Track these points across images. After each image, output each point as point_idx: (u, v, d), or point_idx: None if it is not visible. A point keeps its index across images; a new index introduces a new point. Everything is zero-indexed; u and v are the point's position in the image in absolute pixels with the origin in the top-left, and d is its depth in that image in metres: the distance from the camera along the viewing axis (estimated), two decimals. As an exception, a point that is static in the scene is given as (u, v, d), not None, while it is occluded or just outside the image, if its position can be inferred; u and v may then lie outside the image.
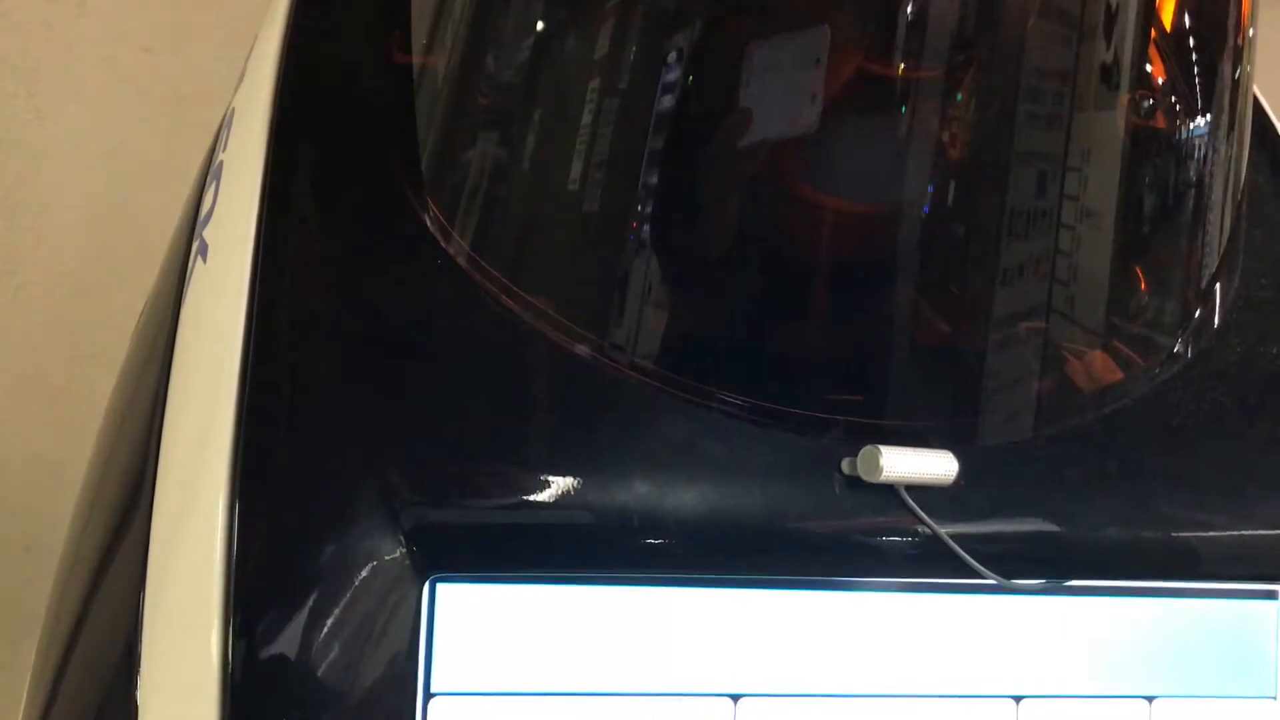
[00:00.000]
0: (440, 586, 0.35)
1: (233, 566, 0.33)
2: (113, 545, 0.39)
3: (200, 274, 0.39)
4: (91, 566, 0.40)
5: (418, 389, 0.35)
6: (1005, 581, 0.37)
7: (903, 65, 0.36)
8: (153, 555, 0.35)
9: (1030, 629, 0.38)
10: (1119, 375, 0.40)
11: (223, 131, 0.44)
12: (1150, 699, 0.39)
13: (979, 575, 0.36)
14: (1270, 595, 0.40)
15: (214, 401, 0.34)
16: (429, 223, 0.38)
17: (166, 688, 0.34)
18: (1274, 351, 0.43)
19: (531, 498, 0.35)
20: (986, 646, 0.38)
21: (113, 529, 0.39)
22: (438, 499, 0.34)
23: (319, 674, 0.33)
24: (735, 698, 0.37)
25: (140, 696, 0.34)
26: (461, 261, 0.38)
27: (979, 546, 0.36)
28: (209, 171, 0.43)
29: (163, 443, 0.37)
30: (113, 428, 0.45)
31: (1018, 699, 0.38)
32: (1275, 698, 0.40)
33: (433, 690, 0.35)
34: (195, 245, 0.41)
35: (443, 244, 0.38)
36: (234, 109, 0.44)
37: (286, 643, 0.33)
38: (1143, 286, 0.40)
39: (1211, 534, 0.40)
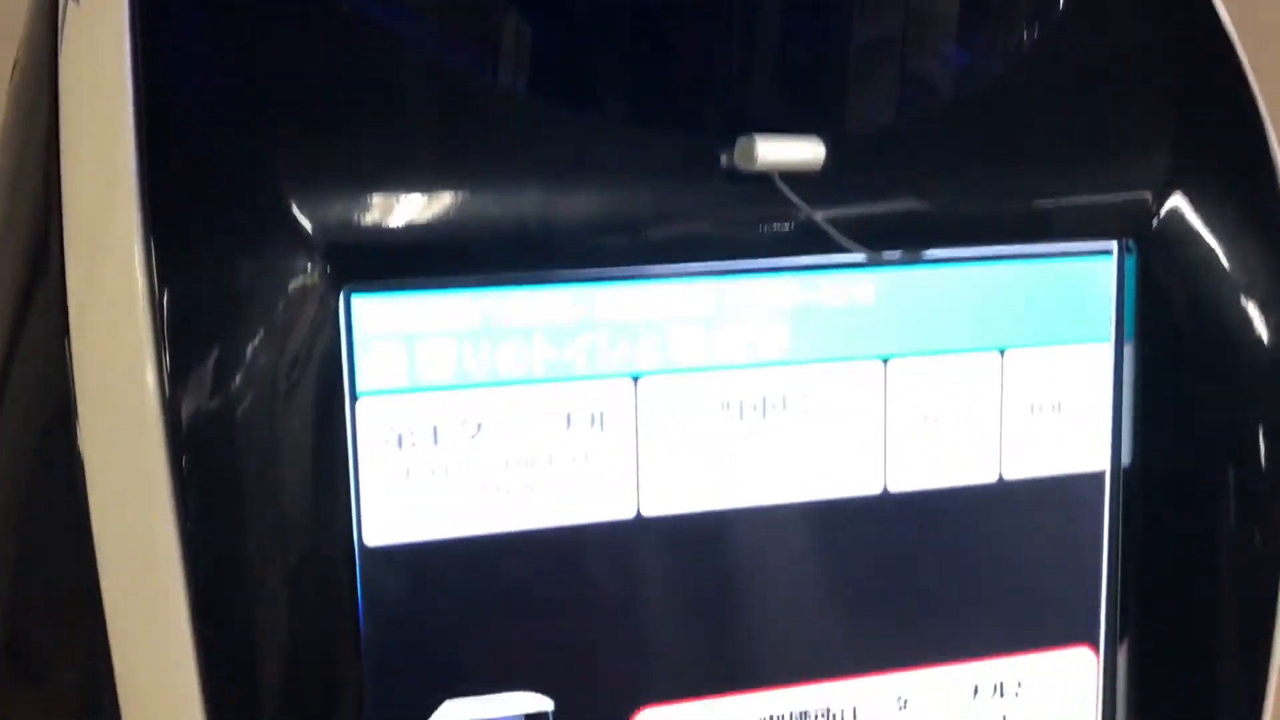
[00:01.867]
0: (355, 298, 0.37)
1: (157, 302, 0.35)
2: (22, 310, 0.39)
3: (74, 17, 0.39)
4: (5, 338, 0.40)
5: (315, 109, 0.37)
6: (872, 253, 0.41)
7: None
8: (73, 309, 0.36)
9: (894, 298, 0.42)
10: (966, 65, 0.43)
11: None
12: (1002, 350, 0.44)
13: (847, 250, 0.40)
14: (1106, 253, 0.45)
15: (111, 145, 0.35)
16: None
17: (107, 434, 0.36)
18: (1113, 32, 0.46)
19: (430, 208, 0.37)
20: (855, 317, 0.42)
21: (22, 289, 0.40)
22: (343, 214, 0.36)
23: (250, 390, 0.36)
24: (635, 378, 0.41)
25: (83, 448, 0.36)
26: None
27: (847, 225, 0.40)
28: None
29: (64, 196, 0.37)
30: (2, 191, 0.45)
31: (885, 359, 0.43)
32: (1108, 340, 0.45)
33: (358, 392, 0.38)
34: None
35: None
36: None
37: (219, 366, 0.35)
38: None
39: (1056, 199, 0.44)
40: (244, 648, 0.37)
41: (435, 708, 0.40)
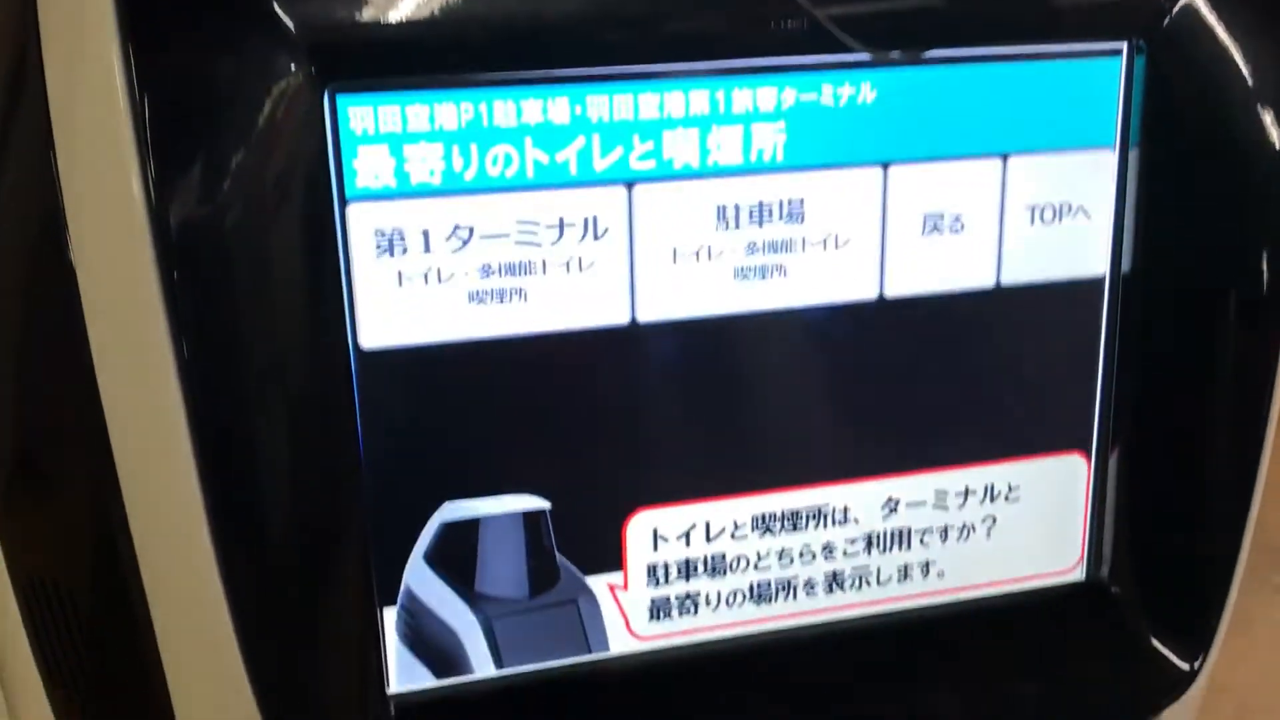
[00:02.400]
0: (341, 99, 0.36)
1: (138, 108, 0.34)
2: (5, 122, 0.39)
3: None
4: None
5: None
6: (874, 53, 0.39)
7: None
8: (55, 119, 0.35)
9: (896, 100, 0.41)
10: None
11: None
12: (1005, 155, 0.43)
13: (849, 49, 0.39)
14: (1115, 54, 0.43)
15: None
16: None
17: (97, 246, 0.35)
18: None
19: (417, 4, 0.35)
20: (856, 119, 0.41)
21: (3, 101, 0.39)
22: (327, 11, 0.35)
23: (239, 195, 0.35)
24: (630, 184, 0.40)
25: (74, 260, 0.35)
26: None
27: (850, 22, 0.39)
28: None
29: (39, 3, 0.36)
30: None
31: (885, 165, 0.42)
32: (1113, 147, 0.44)
33: (348, 196, 0.38)
34: None
35: None
36: None
37: (205, 172, 0.35)
38: None
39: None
40: (244, 454, 0.38)
41: (435, 509, 0.41)
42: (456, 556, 0.42)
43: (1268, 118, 0.44)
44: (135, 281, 0.35)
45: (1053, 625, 0.50)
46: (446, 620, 0.43)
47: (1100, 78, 0.43)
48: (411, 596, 0.42)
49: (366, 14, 0.35)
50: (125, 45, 0.34)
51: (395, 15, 0.35)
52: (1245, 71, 0.44)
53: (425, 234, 0.38)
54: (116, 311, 0.36)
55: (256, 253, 0.36)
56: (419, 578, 0.42)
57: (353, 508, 0.40)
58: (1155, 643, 0.49)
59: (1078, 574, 0.50)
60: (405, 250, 0.38)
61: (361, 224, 0.38)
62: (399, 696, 0.43)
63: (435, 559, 0.42)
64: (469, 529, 0.42)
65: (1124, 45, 0.43)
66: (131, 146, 0.34)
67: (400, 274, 0.38)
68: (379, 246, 0.38)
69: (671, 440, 0.43)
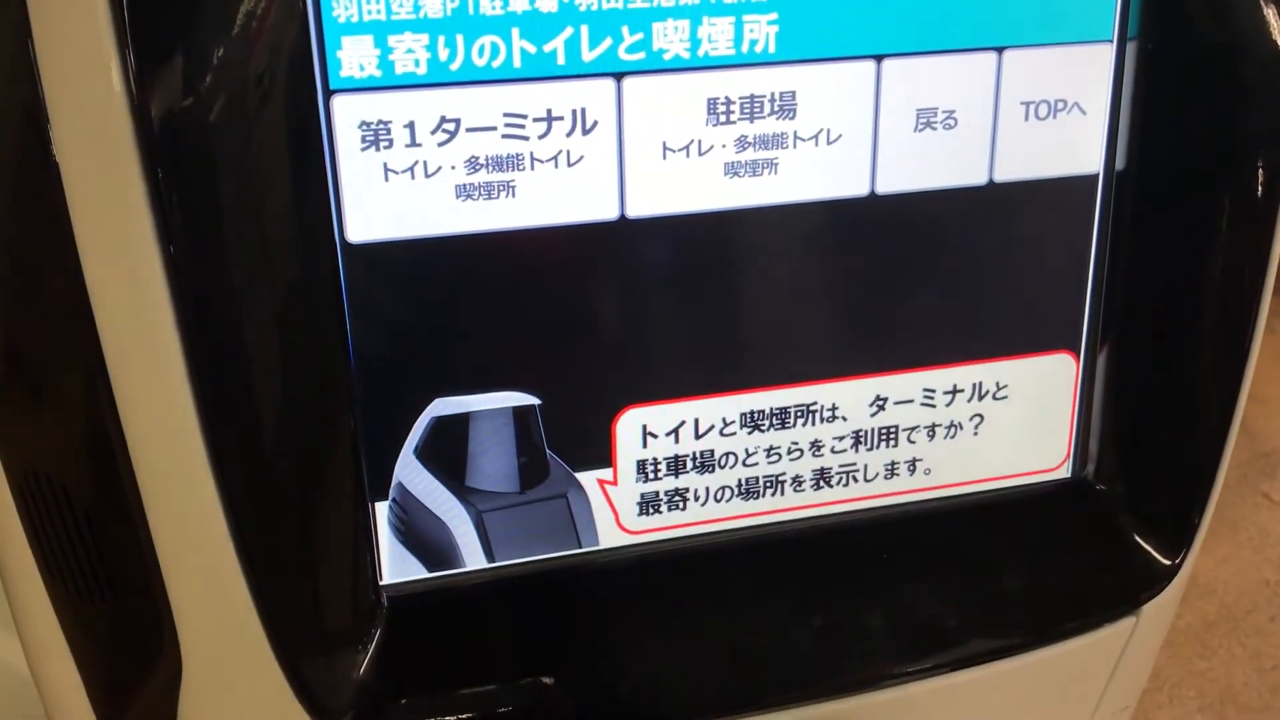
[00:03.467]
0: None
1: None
2: None
3: None
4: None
5: None
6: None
7: None
8: (32, 8, 0.35)
9: (891, -11, 0.41)
10: None
11: None
12: (1000, 49, 0.42)
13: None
14: None
15: None
16: None
17: (79, 141, 0.34)
18: None
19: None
20: (848, 9, 0.40)
21: None
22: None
23: (221, 87, 0.34)
24: (618, 75, 0.39)
25: (57, 156, 0.35)
26: None
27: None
28: None
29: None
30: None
31: (878, 58, 0.41)
32: (1111, 40, 0.43)
33: (332, 86, 0.37)
34: None
35: None
36: None
37: (186, 64, 0.34)
38: None
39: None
40: (234, 353, 0.37)
41: (425, 404, 0.42)
42: (447, 452, 0.42)
43: (1269, 12, 0.44)
44: (119, 177, 0.35)
45: (1038, 521, 0.50)
46: (438, 514, 0.43)
47: None
48: (403, 491, 0.43)
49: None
50: None
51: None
52: (1247, -36, 0.43)
53: (411, 126, 0.38)
54: (101, 208, 0.35)
55: (240, 146, 0.36)
56: (410, 473, 0.42)
57: (342, 403, 0.41)
58: (1138, 538, 0.50)
59: (1064, 471, 0.50)
60: (390, 143, 0.38)
61: (346, 116, 0.37)
62: (392, 588, 0.44)
63: (426, 454, 0.42)
64: (460, 424, 0.42)
65: (1124, -65, 0.42)
66: (111, 37, 0.33)
67: (386, 166, 0.38)
68: (364, 139, 0.38)
69: (660, 337, 0.43)
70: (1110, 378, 0.49)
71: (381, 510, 0.43)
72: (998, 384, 0.47)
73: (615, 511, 0.45)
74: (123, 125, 0.34)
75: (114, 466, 0.38)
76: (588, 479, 0.44)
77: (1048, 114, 0.44)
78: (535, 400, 0.42)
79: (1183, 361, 0.49)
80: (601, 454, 0.44)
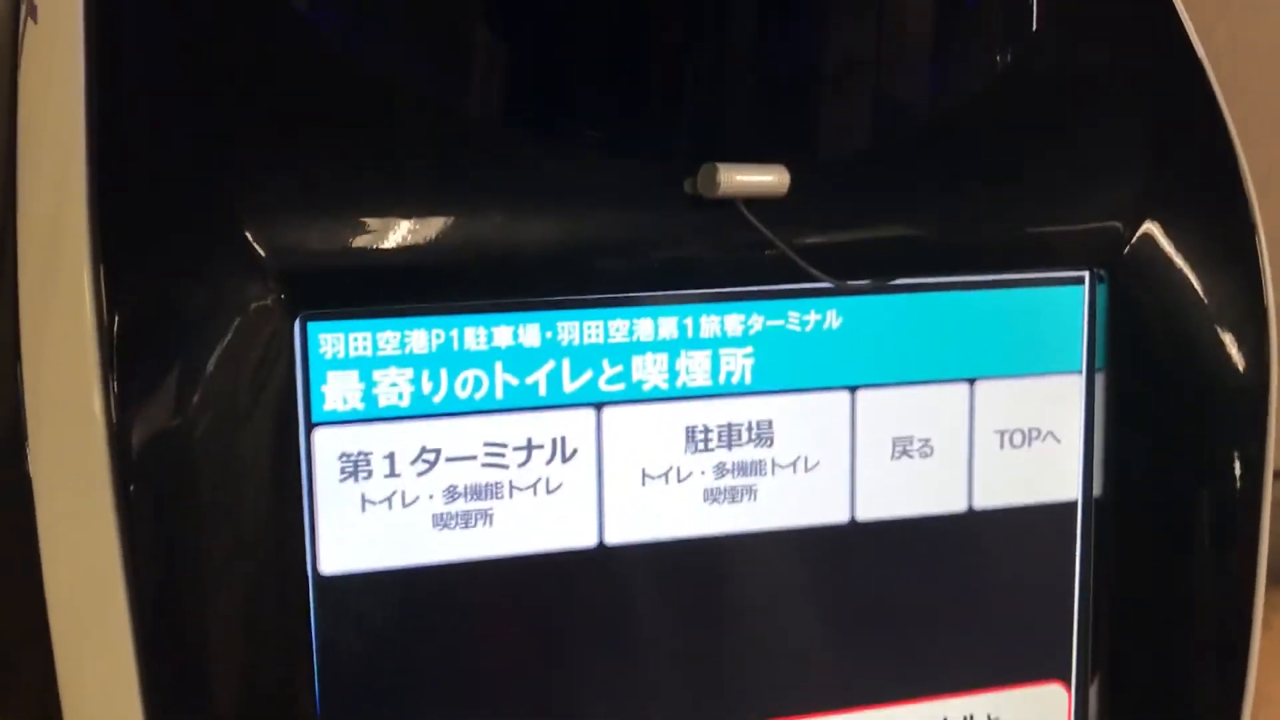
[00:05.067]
0: (312, 326, 0.37)
1: (106, 327, 0.34)
2: None
3: (33, 36, 0.39)
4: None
5: (271, 132, 0.36)
6: (838, 283, 0.40)
7: None
8: (25, 332, 0.36)
9: (862, 325, 0.42)
10: (937, 89, 0.43)
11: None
12: (972, 380, 0.44)
13: (813, 279, 0.39)
14: (1078, 281, 0.44)
15: (65, 166, 0.35)
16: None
17: (54, 460, 0.35)
18: (1086, 58, 0.46)
19: (390, 235, 0.36)
20: (823, 344, 0.42)
21: None
22: (300, 240, 0.36)
23: (202, 418, 0.35)
24: (598, 405, 0.40)
25: (32, 472, 0.35)
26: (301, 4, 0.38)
27: (815, 253, 0.40)
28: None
29: (19, 217, 0.37)
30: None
31: (853, 389, 0.42)
32: (1081, 371, 0.45)
33: (314, 419, 0.37)
34: (24, 7, 0.40)
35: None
36: None
37: (168, 394, 0.35)
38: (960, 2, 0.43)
39: (1026, 228, 0.43)
40: (194, 679, 0.36)
41: (393, 740, 0.40)
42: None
43: (1229, 339, 0.45)
44: (90, 500, 0.34)
45: None
46: None
47: (1064, 304, 0.44)
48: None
49: (339, 244, 0.36)
50: (97, 263, 0.34)
51: (369, 246, 0.36)
52: (1204, 296, 0.45)
53: (391, 457, 0.38)
54: (70, 527, 0.35)
55: (217, 475, 0.36)
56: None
57: (306, 738, 0.39)
58: None
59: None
60: (370, 474, 0.38)
61: (327, 448, 0.37)
62: None
63: (392, 793, 0.40)
64: (428, 761, 0.40)
65: (1086, 274, 0.44)
66: (95, 363, 0.34)
67: (364, 497, 0.38)
68: (343, 470, 0.38)
69: (638, 667, 0.42)
70: (1104, 708, 0.47)
71: None
72: (988, 717, 0.46)
73: None
74: (98, 447, 0.34)
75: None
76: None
77: (1022, 442, 0.44)
78: (509, 737, 0.41)
79: (1178, 689, 0.47)
80: (579, 792, 0.42)
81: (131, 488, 0.34)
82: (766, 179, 0.38)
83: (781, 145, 0.40)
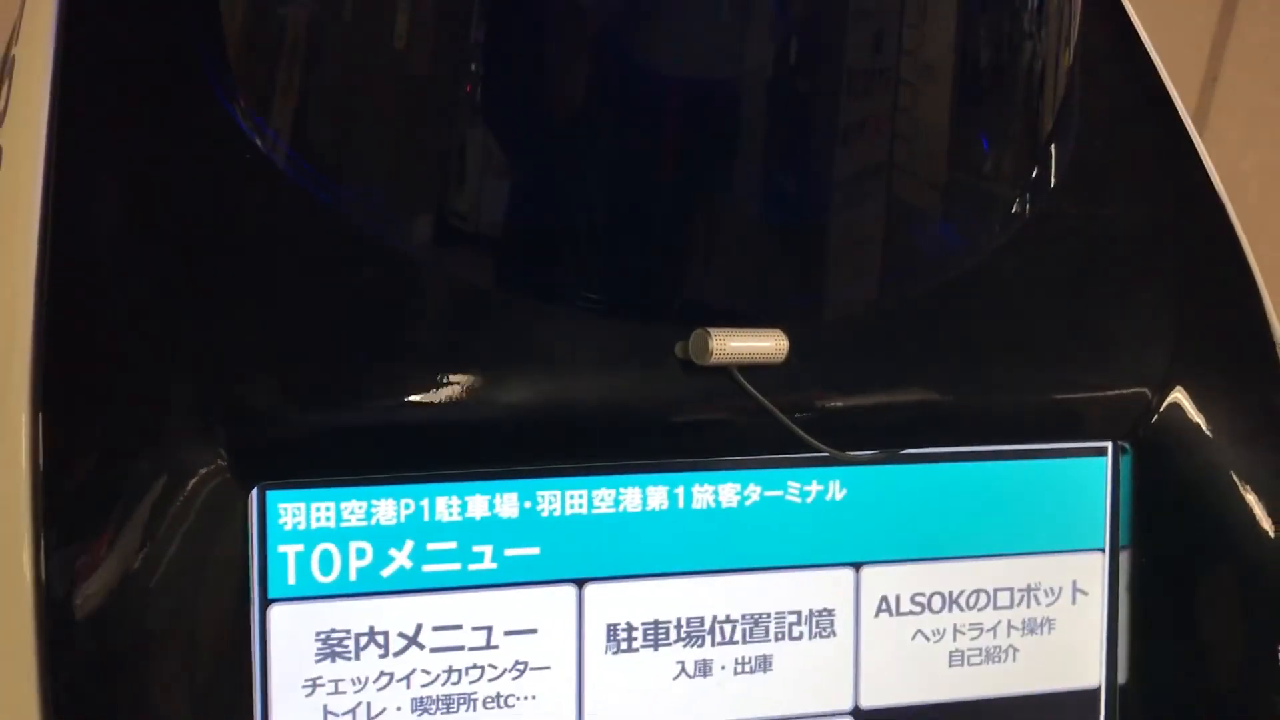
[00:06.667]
0: (269, 494, 0.34)
1: (40, 492, 0.32)
2: None
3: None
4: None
5: (229, 294, 0.34)
6: (839, 454, 0.37)
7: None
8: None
9: (867, 498, 0.39)
10: (950, 246, 0.40)
11: (19, 18, 0.41)
12: (986, 557, 0.40)
13: (813, 449, 0.37)
14: (1100, 453, 0.41)
15: (11, 319, 0.33)
16: (239, 115, 0.36)
17: None
18: (1108, 213, 0.43)
19: (354, 402, 0.34)
20: (824, 517, 0.39)
21: None
22: (256, 407, 0.33)
23: (143, 591, 0.32)
24: (580, 582, 0.37)
25: None
26: (276, 157, 0.36)
27: (815, 422, 0.37)
28: (3, 68, 0.40)
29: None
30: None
31: (857, 566, 0.39)
32: (1103, 549, 0.41)
33: (270, 596, 0.35)
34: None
35: (253, 138, 0.36)
36: (27, -2, 0.41)
37: (106, 565, 0.32)
38: (973, 154, 0.40)
39: (1044, 397, 0.41)
40: None
41: None
42: None
43: (1261, 513, 0.42)
44: (15, 670, 0.32)
45: None
46: None
47: (1085, 477, 0.41)
48: None
49: (300, 412, 0.34)
50: (36, 420, 0.32)
51: (332, 413, 0.34)
52: (1235, 468, 0.42)
53: (356, 639, 0.35)
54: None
55: (158, 652, 0.33)
56: None
57: None
58: None
59: None
60: (333, 654, 0.35)
61: (284, 627, 0.34)
62: None
63: None
64: None
65: (1108, 445, 0.41)
66: (27, 530, 0.32)
67: (324, 679, 0.35)
68: (302, 651, 0.35)
69: None
70: None
71: None
72: None
73: None
74: (24, 617, 0.31)
75: None
76: None
77: (1040, 625, 0.41)
78: None
79: None
80: None
81: (58, 668, 0.31)
82: (762, 345, 0.35)
83: (781, 306, 0.38)
